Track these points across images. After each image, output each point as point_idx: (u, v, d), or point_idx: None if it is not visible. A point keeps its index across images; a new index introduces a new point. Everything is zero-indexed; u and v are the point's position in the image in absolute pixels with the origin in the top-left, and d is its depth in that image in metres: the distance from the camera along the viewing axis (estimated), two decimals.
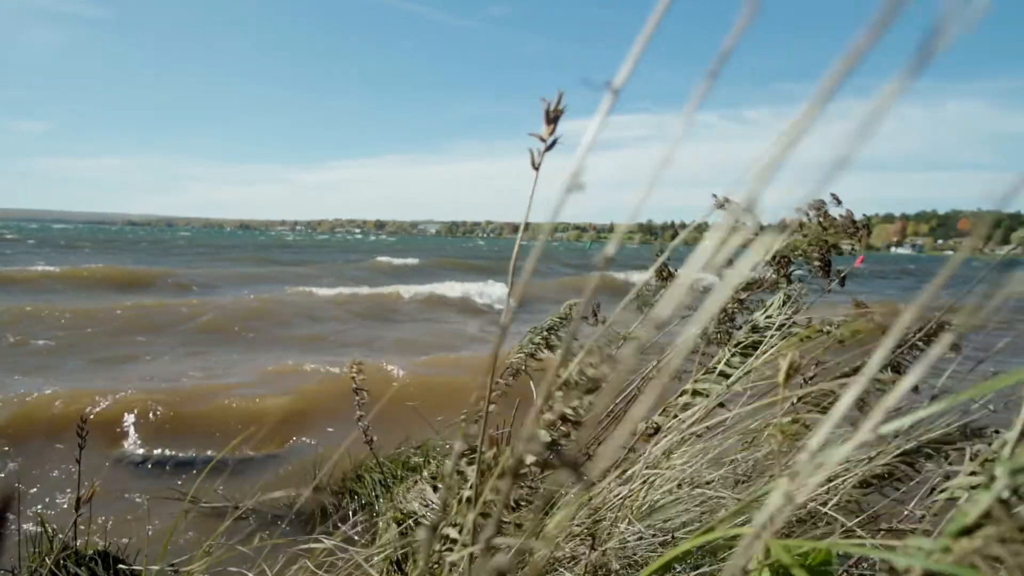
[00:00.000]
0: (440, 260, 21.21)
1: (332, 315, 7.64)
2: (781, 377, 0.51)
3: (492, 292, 10.08)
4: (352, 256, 26.16)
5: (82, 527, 1.51)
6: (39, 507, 2.49)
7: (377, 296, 9.29)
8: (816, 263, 0.96)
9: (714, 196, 0.99)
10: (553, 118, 0.34)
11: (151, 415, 3.50)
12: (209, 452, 3.17)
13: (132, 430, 3.38)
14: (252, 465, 3.03)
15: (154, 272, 11.36)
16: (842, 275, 1.00)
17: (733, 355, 0.65)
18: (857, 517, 0.74)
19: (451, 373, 4.58)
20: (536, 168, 0.36)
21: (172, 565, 1.41)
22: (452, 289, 10.20)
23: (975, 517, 0.24)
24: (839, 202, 0.94)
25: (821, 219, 0.96)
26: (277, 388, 4.00)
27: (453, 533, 0.44)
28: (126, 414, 3.49)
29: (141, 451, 3.15)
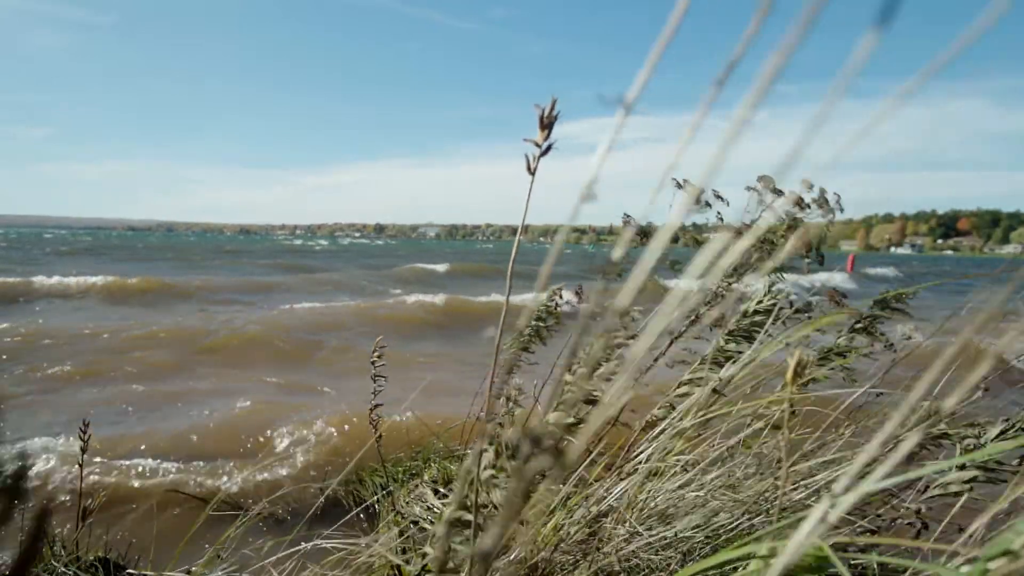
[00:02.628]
0: (470, 266, 19.73)
1: (400, 331, 6.95)
2: (788, 375, 0.51)
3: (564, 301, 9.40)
4: (372, 261, 25.02)
5: (85, 532, 1.51)
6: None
7: (462, 307, 8.47)
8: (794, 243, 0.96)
9: (673, 179, 1.00)
10: (547, 124, 0.34)
11: (169, 434, 3.50)
12: (217, 460, 3.16)
13: (142, 443, 3.37)
14: (257, 470, 3.02)
15: (179, 282, 10.69)
16: (821, 257, 1.01)
17: (727, 342, 0.65)
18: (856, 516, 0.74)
19: None
20: (532, 173, 0.36)
21: (183, 569, 1.41)
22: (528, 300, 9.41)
23: (1021, 544, 0.24)
24: (811, 187, 0.95)
25: (796, 202, 0.97)
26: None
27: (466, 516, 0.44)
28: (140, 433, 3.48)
29: (150, 461, 3.14)
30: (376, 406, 1.19)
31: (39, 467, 2.88)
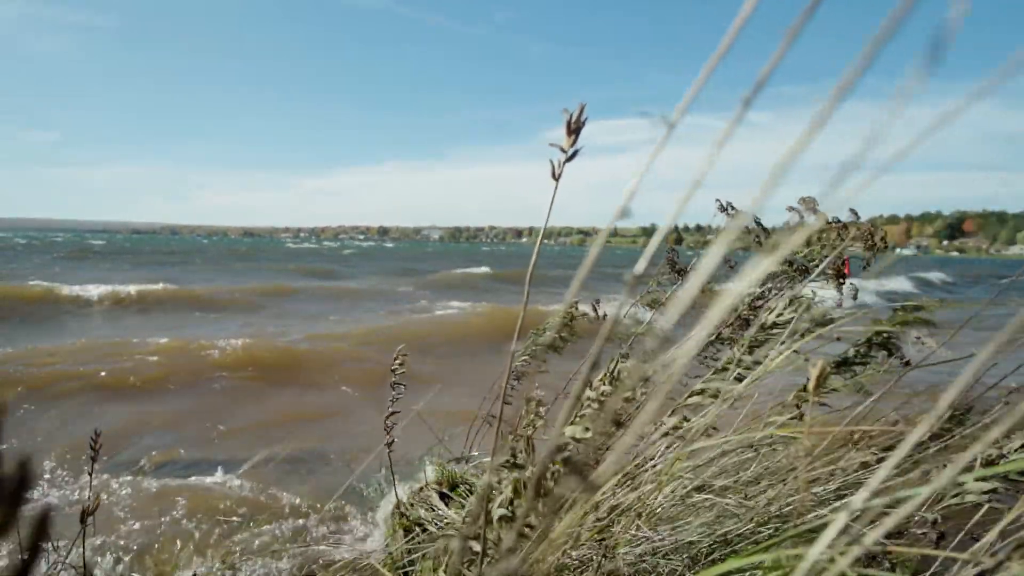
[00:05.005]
0: (509, 272, 18.55)
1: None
2: (811, 385, 0.50)
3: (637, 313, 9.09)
4: (398, 265, 24.32)
5: (92, 537, 1.51)
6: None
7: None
8: (831, 272, 0.96)
9: (717, 201, 1.00)
10: (575, 129, 0.34)
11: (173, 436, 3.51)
12: (222, 462, 3.17)
13: (144, 442, 3.38)
14: (261, 473, 3.03)
15: (213, 291, 9.96)
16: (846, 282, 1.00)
17: (743, 354, 0.65)
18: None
19: None
20: (556, 179, 0.35)
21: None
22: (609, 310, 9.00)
23: None
24: (857, 216, 0.95)
25: (839, 231, 0.97)
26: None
27: (476, 546, 0.44)
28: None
29: (153, 460, 3.15)
30: (392, 413, 1.20)
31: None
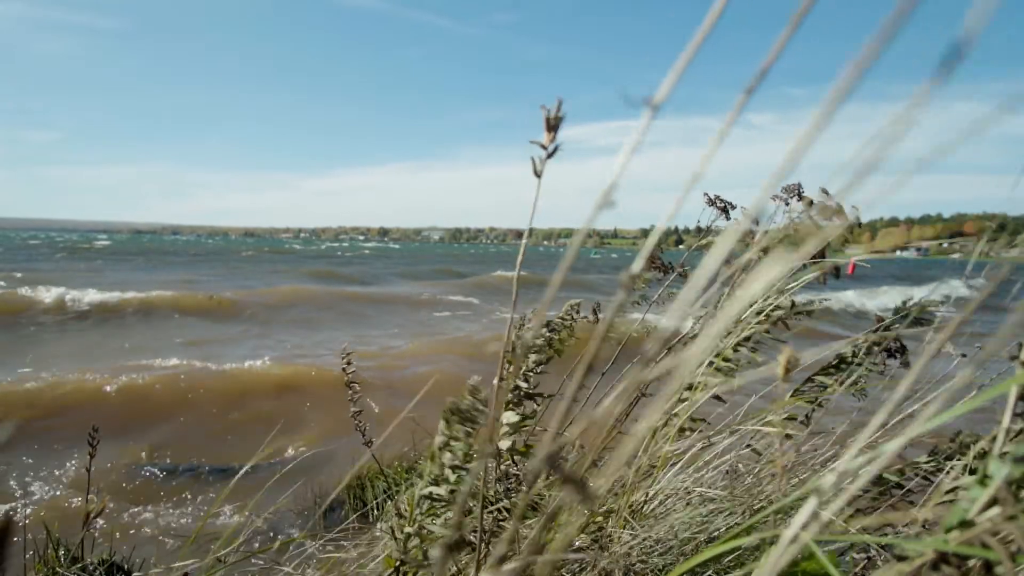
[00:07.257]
0: (541, 276, 18.46)
1: None
2: (780, 371, 0.51)
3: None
4: (417, 268, 23.24)
5: (91, 532, 1.51)
6: (45, 511, 2.50)
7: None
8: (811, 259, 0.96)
9: (705, 195, 1.00)
10: (553, 125, 0.33)
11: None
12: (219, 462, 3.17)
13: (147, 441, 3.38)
14: (260, 473, 3.03)
15: (230, 296, 9.32)
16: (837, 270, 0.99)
17: (730, 348, 0.65)
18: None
19: None
20: (538, 176, 0.35)
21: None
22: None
23: (975, 511, 0.24)
24: (827, 194, 0.95)
25: (813, 214, 0.97)
26: None
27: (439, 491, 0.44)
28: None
29: (154, 459, 3.15)
30: (357, 412, 1.20)
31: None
